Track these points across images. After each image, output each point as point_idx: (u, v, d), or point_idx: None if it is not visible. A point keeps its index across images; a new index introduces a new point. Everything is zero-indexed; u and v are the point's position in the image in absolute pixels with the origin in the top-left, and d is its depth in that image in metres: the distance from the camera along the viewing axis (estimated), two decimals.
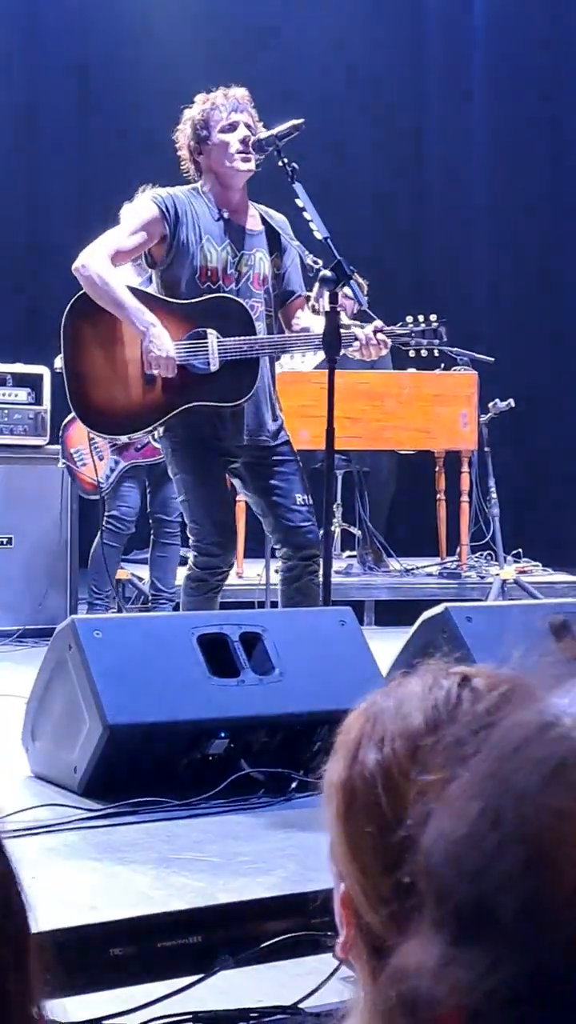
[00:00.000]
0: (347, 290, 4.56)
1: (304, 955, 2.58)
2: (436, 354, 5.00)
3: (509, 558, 8.18)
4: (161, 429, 4.83)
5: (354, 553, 8.57)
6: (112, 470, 6.84)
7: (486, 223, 10.91)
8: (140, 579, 7.47)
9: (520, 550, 8.59)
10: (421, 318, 4.88)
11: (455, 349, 7.73)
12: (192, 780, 3.50)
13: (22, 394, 7.22)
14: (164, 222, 4.74)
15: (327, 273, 4.49)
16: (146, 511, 7.01)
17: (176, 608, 5.81)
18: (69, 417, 6.75)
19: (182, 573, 5.07)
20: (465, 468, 8.04)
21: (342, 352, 4.63)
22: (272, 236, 4.87)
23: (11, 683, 5.08)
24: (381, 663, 4.00)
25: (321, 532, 5.10)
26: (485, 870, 0.85)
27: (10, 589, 6.99)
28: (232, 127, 4.75)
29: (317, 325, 4.83)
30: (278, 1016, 2.53)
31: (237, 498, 6.88)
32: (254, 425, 4.80)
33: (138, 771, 3.47)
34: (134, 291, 4.82)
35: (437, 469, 8.44)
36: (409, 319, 4.89)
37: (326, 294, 4.58)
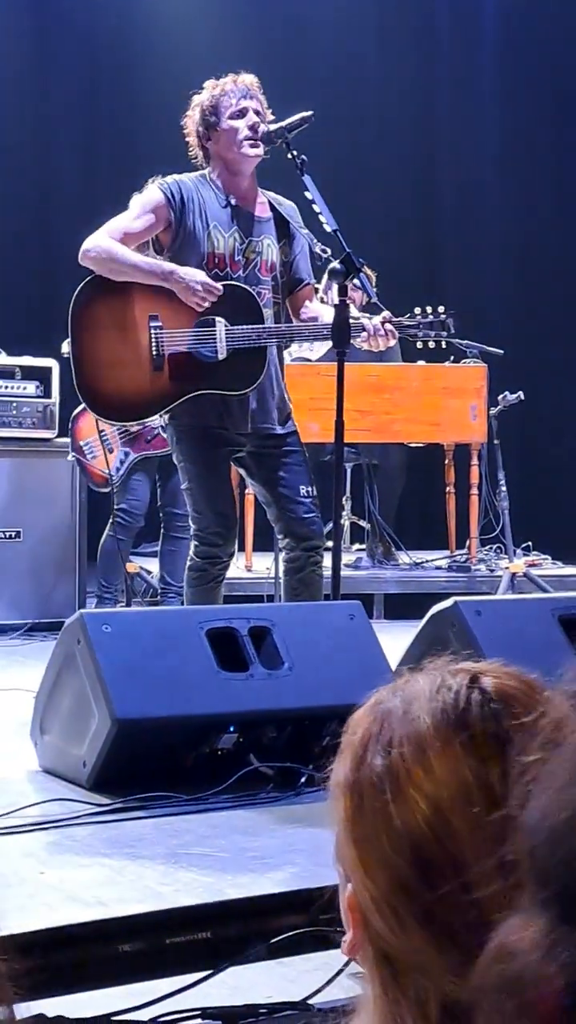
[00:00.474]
0: (356, 282, 4.54)
1: (313, 951, 2.57)
2: (444, 346, 4.98)
3: (519, 551, 8.15)
4: (167, 416, 4.82)
5: (363, 546, 8.56)
6: (122, 462, 6.83)
7: (496, 215, 10.88)
8: (149, 572, 7.46)
9: (530, 543, 8.56)
10: (429, 309, 4.87)
11: (465, 341, 7.71)
12: (201, 775, 3.49)
13: (30, 387, 7.21)
14: (169, 208, 4.73)
15: (336, 265, 4.47)
16: (156, 504, 7.00)
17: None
18: (79, 409, 6.75)
19: None
20: (475, 461, 8.03)
21: (351, 343, 4.62)
22: (281, 223, 4.86)
23: (20, 677, 5.09)
24: (390, 657, 3.99)
25: (330, 525, 5.09)
26: None
27: (19, 583, 6.99)
28: (241, 113, 4.74)
29: (326, 314, 4.82)
30: (287, 1012, 2.52)
31: (247, 492, 6.89)
32: (260, 414, 4.79)
33: (147, 766, 3.47)
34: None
35: (446, 462, 8.42)
36: (417, 310, 4.88)
37: (335, 286, 4.57)
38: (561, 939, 0.85)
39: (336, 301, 4.57)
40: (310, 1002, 2.50)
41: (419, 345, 4.93)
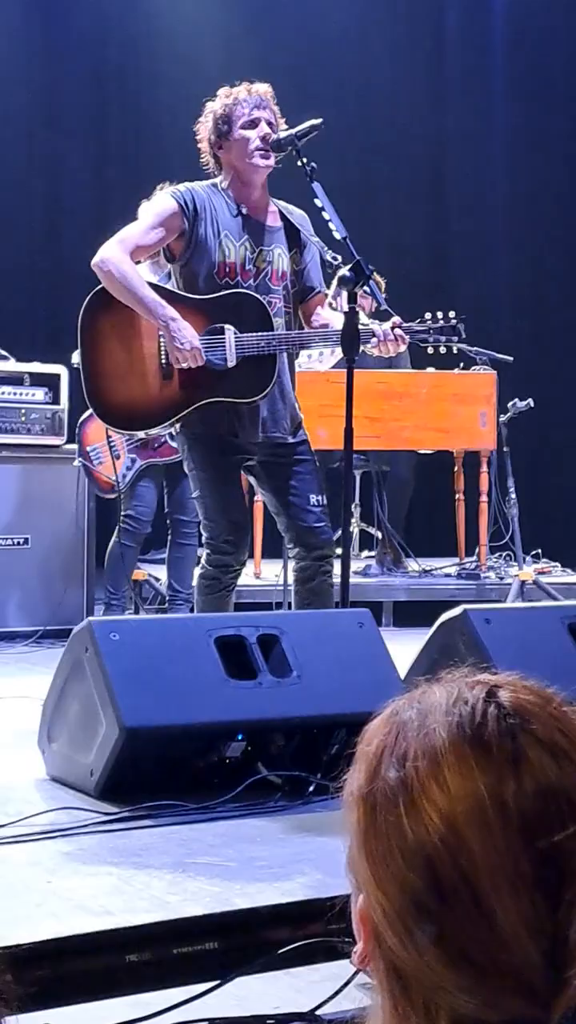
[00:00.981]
0: (365, 289, 4.53)
1: (321, 961, 2.56)
2: (455, 351, 4.98)
3: (528, 559, 8.14)
4: (177, 425, 4.82)
5: (372, 553, 8.55)
6: (129, 468, 6.82)
7: (506, 222, 10.88)
8: (157, 579, 7.46)
9: (539, 551, 8.55)
10: (440, 315, 4.87)
11: (474, 348, 7.71)
12: (209, 783, 3.48)
13: (39, 394, 7.21)
14: (183, 217, 4.72)
15: (346, 272, 4.47)
16: (163, 511, 6.99)
17: (192, 608, 5.80)
18: (86, 415, 6.74)
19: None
20: (484, 468, 8.01)
21: (361, 349, 4.61)
22: (291, 232, 4.85)
23: (28, 685, 5.08)
24: (400, 665, 3.98)
25: (339, 532, 5.08)
26: None
27: (27, 590, 6.99)
28: (253, 124, 4.73)
29: (336, 321, 4.82)
30: (295, 1023, 2.50)
31: (256, 499, 6.87)
32: (270, 422, 4.78)
33: (155, 774, 3.46)
34: (152, 287, 4.80)
35: (456, 469, 8.41)
36: (428, 316, 4.88)
37: (344, 293, 4.56)
38: None
39: (345, 308, 4.57)
40: (318, 1013, 2.49)
41: (430, 350, 4.93)
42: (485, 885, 1.05)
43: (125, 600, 6.91)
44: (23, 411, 7.13)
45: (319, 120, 4.67)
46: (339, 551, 4.90)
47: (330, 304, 4.99)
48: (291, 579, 5.02)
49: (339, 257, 4.61)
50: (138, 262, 4.90)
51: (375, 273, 4.64)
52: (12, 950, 2.25)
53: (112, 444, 6.64)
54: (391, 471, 8.31)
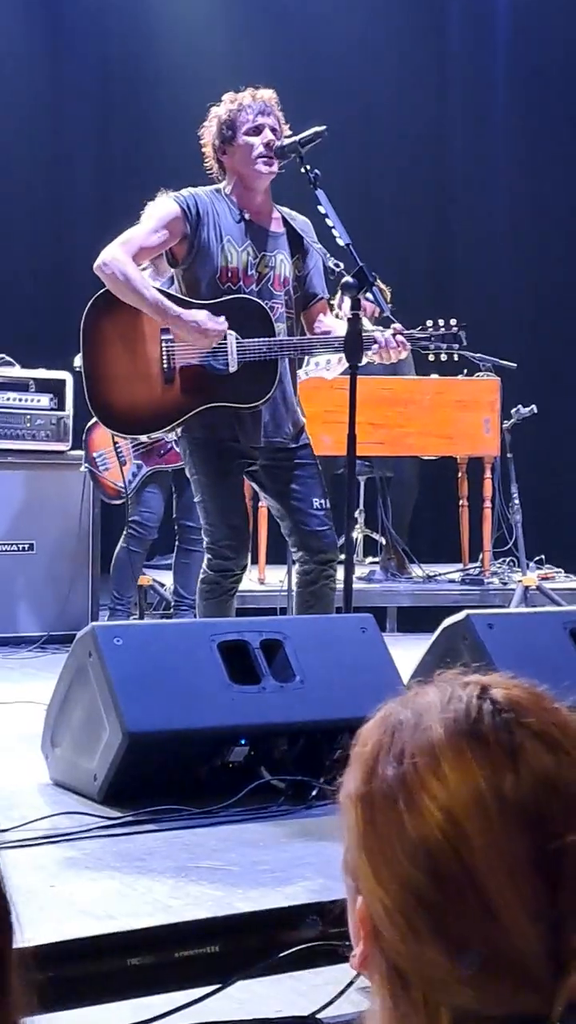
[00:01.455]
0: (368, 296, 4.54)
1: (322, 965, 2.57)
2: (456, 358, 4.98)
3: (532, 564, 8.15)
4: (179, 429, 4.83)
5: (376, 559, 8.56)
6: (135, 475, 6.84)
7: (509, 228, 10.89)
8: (162, 585, 7.47)
9: (543, 556, 8.56)
10: (441, 322, 4.87)
11: (478, 355, 7.72)
12: (212, 788, 3.49)
13: (44, 400, 7.22)
14: (185, 221, 4.73)
15: (349, 279, 4.48)
16: (171, 517, 7.00)
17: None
18: (93, 421, 6.75)
19: None
20: (488, 474, 8.03)
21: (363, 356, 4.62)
22: (294, 238, 4.86)
23: (32, 690, 5.09)
24: (403, 670, 3.98)
25: (343, 538, 5.08)
26: None
27: (32, 595, 7.00)
28: (257, 130, 4.74)
29: (339, 328, 4.83)
30: None
31: (260, 505, 6.88)
32: (272, 427, 4.79)
33: (158, 779, 3.47)
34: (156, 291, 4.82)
35: (460, 475, 8.42)
36: (429, 323, 4.89)
37: (348, 300, 4.57)
38: None
39: (348, 314, 4.58)
40: (320, 1016, 2.49)
41: (431, 357, 4.93)
42: (486, 876, 1.06)
43: (130, 606, 6.92)
44: (28, 417, 7.15)
45: (323, 127, 4.68)
46: (343, 556, 4.92)
47: (336, 313, 4.99)
48: (294, 582, 5.03)
49: (341, 264, 4.62)
50: (143, 268, 4.91)
51: (379, 280, 4.65)
52: (26, 952, 2.25)
53: (119, 450, 6.66)
54: (395, 477, 8.32)
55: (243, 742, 3.56)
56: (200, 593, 4.88)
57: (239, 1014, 2.54)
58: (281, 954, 2.50)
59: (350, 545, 5.01)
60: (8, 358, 7.36)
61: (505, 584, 8.02)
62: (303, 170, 4.64)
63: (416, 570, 8.29)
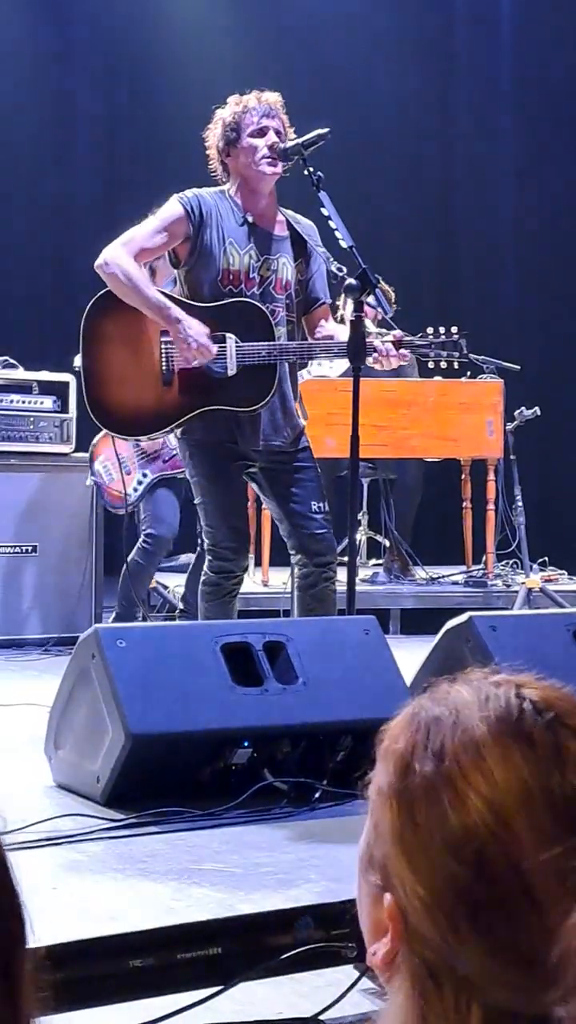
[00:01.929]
0: (370, 301, 4.54)
1: (324, 967, 2.57)
2: (456, 366, 4.97)
3: (535, 566, 8.15)
4: (178, 432, 4.84)
5: (380, 561, 8.56)
6: (140, 483, 6.82)
7: (513, 229, 10.89)
8: (166, 587, 7.46)
9: (546, 558, 8.56)
10: (442, 330, 4.86)
11: (481, 357, 7.72)
12: (215, 790, 3.49)
13: (48, 402, 7.23)
14: (188, 222, 4.74)
15: (352, 282, 4.47)
16: (194, 526, 6.96)
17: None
18: (101, 435, 6.77)
19: None
20: (491, 476, 8.03)
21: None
22: (298, 242, 4.87)
23: (35, 692, 5.09)
24: (406, 672, 3.99)
25: (346, 541, 5.08)
26: None
27: (35, 597, 7.00)
28: (261, 132, 4.75)
29: (340, 332, 4.83)
30: None
31: (264, 507, 6.88)
32: (270, 430, 4.80)
33: (161, 781, 3.47)
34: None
35: (463, 477, 8.43)
36: (430, 330, 4.87)
37: (351, 303, 4.57)
38: None
39: (351, 317, 4.58)
40: (321, 1018, 2.50)
41: (431, 365, 4.93)
42: (533, 874, 1.06)
43: (135, 617, 6.90)
44: (32, 419, 7.15)
45: (326, 130, 4.69)
46: (346, 559, 4.92)
47: (341, 315, 4.99)
48: (295, 586, 5.03)
49: (344, 268, 4.62)
50: (150, 269, 4.91)
51: (383, 283, 4.65)
52: (39, 952, 2.26)
53: (123, 460, 6.64)
54: (398, 479, 8.32)
55: (246, 744, 3.57)
56: (201, 595, 4.89)
57: (241, 1016, 2.54)
58: (283, 956, 2.50)
59: (353, 547, 5.01)
60: (11, 360, 7.36)
61: (508, 586, 8.02)
62: (306, 172, 4.64)
63: (419, 572, 8.30)
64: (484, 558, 8.22)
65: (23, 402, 7.19)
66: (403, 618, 7.92)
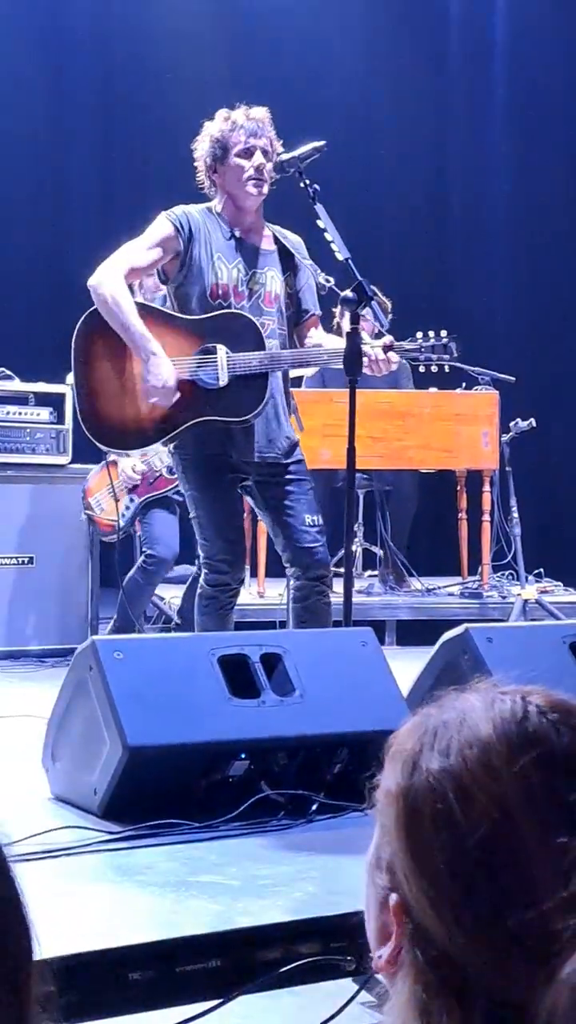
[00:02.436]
0: (367, 312, 4.55)
1: (324, 980, 2.57)
2: (447, 370, 4.97)
3: (531, 578, 8.15)
4: (172, 447, 4.85)
5: (376, 572, 8.56)
6: (128, 508, 6.85)
7: (509, 242, 10.91)
8: (162, 599, 7.46)
9: (542, 570, 8.56)
10: (431, 334, 4.87)
11: (476, 368, 7.74)
12: (212, 802, 3.49)
13: (44, 413, 7.23)
14: (178, 238, 4.78)
15: (348, 294, 4.49)
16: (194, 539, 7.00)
17: None
18: (93, 473, 6.80)
19: None
20: (486, 487, 8.03)
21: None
22: (285, 256, 4.90)
23: (32, 703, 5.08)
24: (403, 683, 3.99)
25: (342, 552, 5.09)
26: None
27: (32, 608, 7.00)
28: (248, 152, 4.78)
29: (329, 341, 4.86)
30: None
31: (259, 520, 6.88)
32: (264, 442, 4.81)
33: (158, 793, 3.46)
34: (144, 308, 4.85)
35: (458, 488, 8.43)
36: (419, 335, 4.89)
37: (347, 314, 4.59)
38: None
39: (348, 329, 4.59)
40: None
41: (422, 369, 4.94)
42: (539, 870, 1.07)
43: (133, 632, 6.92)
44: (28, 430, 7.16)
45: (322, 142, 4.71)
46: (342, 570, 4.93)
47: (337, 324, 5.00)
48: (289, 599, 5.05)
49: (331, 279, 4.66)
50: (130, 285, 4.95)
51: (378, 294, 4.67)
52: (43, 965, 2.25)
53: (112, 489, 6.67)
54: (394, 490, 8.32)
55: (243, 756, 3.57)
56: (198, 608, 4.91)
57: None
58: (282, 969, 2.50)
59: (349, 558, 5.01)
60: (8, 372, 7.37)
61: (504, 597, 8.02)
62: (302, 185, 4.66)
63: (415, 583, 8.30)
64: (480, 569, 8.22)
65: (19, 413, 7.19)
66: (399, 629, 7.92)
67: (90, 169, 10.45)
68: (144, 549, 6.85)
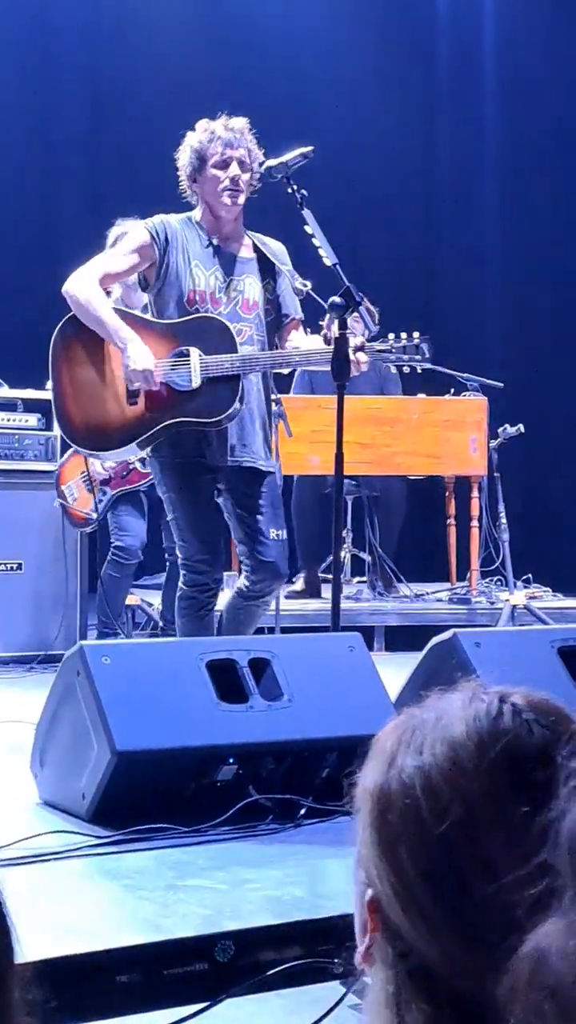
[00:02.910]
0: (356, 316, 4.57)
1: (311, 983, 2.57)
2: (419, 371, 4.98)
3: (519, 583, 8.16)
4: (148, 450, 4.88)
5: (364, 578, 8.56)
6: (100, 501, 6.87)
7: (497, 249, 10.93)
8: (150, 604, 7.46)
9: (530, 575, 8.57)
10: (404, 335, 4.88)
11: (465, 374, 7.75)
12: (200, 807, 3.49)
13: (32, 419, 7.23)
14: (154, 246, 4.86)
15: (336, 299, 4.50)
16: (160, 545, 7.02)
17: None
18: (64, 457, 6.82)
19: None
20: (475, 493, 8.04)
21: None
22: (264, 263, 4.94)
23: (20, 709, 5.08)
24: (391, 689, 4.00)
25: (330, 558, 5.10)
26: None
27: (19, 614, 6.99)
28: (225, 164, 4.84)
29: (306, 343, 4.89)
30: None
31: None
32: (239, 447, 4.85)
33: (146, 798, 3.47)
34: (120, 312, 4.93)
35: (447, 494, 8.44)
36: (391, 336, 4.90)
37: (335, 320, 4.60)
38: None
39: (335, 334, 4.60)
40: None
41: (392, 369, 4.96)
42: (501, 865, 1.08)
43: (119, 628, 6.93)
44: (16, 437, 7.15)
45: (309, 148, 4.72)
46: (331, 576, 4.94)
47: (324, 335, 5.01)
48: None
49: (308, 284, 4.70)
50: (108, 291, 5.01)
51: (366, 300, 4.68)
52: (25, 968, 2.26)
53: (86, 479, 6.72)
54: (382, 496, 8.32)
55: (231, 761, 3.57)
56: (179, 611, 4.96)
57: None
58: (269, 972, 2.51)
59: (338, 564, 5.02)
60: None
61: (492, 603, 8.02)
62: (290, 190, 4.68)
63: (404, 589, 8.30)
64: (468, 575, 8.22)
65: (8, 419, 7.19)
66: (387, 635, 7.91)
67: (79, 177, 10.44)
68: (112, 540, 6.89)
